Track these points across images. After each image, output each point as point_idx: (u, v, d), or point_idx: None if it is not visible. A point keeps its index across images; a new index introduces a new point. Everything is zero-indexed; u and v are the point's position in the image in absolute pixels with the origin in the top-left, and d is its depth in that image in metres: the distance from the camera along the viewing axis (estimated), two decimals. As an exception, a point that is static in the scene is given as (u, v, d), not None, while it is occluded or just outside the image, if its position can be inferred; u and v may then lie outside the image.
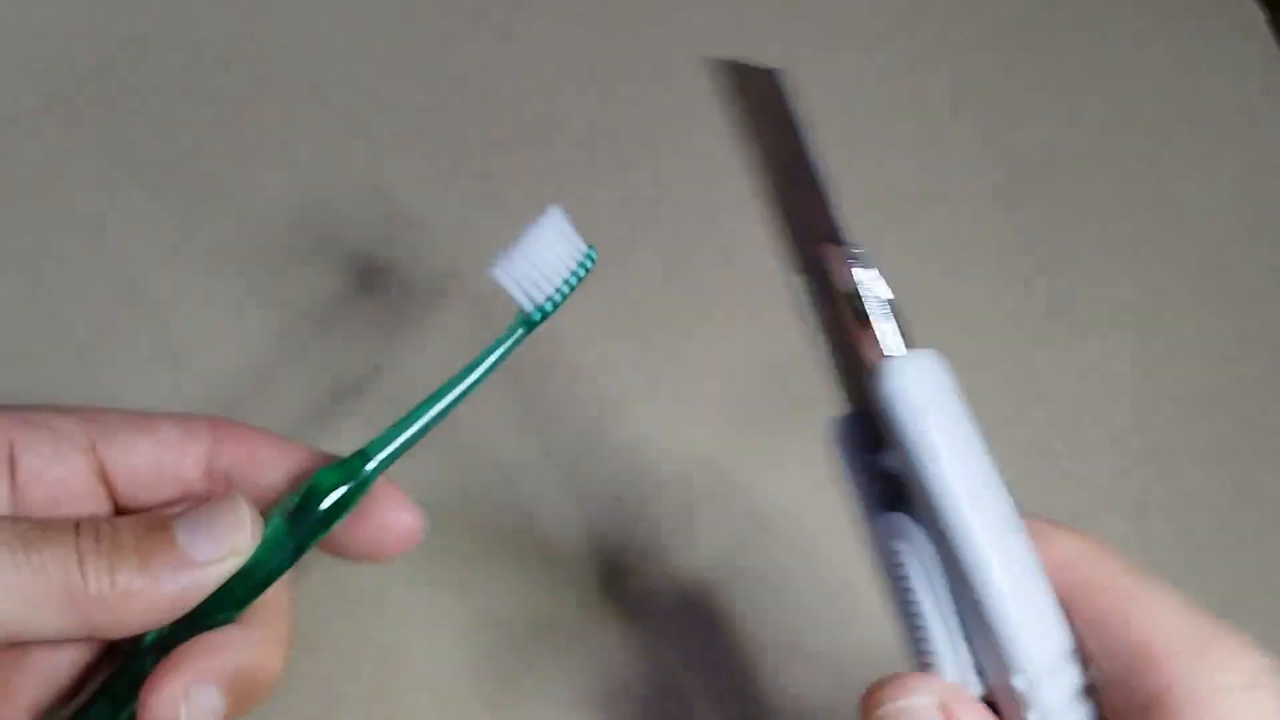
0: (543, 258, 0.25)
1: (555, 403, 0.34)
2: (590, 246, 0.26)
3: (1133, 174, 0.41)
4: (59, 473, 0.23)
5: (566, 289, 0.25)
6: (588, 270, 0.26)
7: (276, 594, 0.24)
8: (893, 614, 0.20)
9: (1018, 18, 0.46)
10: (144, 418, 0.25)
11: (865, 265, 0.20)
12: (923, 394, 0.18)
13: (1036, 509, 0.33)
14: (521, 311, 0.25)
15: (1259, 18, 0.47)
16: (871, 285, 0.20)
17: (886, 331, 0.19)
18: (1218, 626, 0.19)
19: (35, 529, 0.21)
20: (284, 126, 0.40)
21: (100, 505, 0.24)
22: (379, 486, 0.24)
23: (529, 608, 0.30)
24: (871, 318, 0.19)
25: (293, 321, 0.36)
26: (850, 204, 0.40)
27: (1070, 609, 0.19)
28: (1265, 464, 0.34)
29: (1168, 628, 0.19)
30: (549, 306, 0.25)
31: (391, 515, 0.25)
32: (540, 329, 0.25)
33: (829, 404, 0.21)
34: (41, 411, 0.24)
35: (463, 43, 0.43)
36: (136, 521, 0.22)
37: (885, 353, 0.19)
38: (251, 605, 0.23)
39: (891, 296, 0.19)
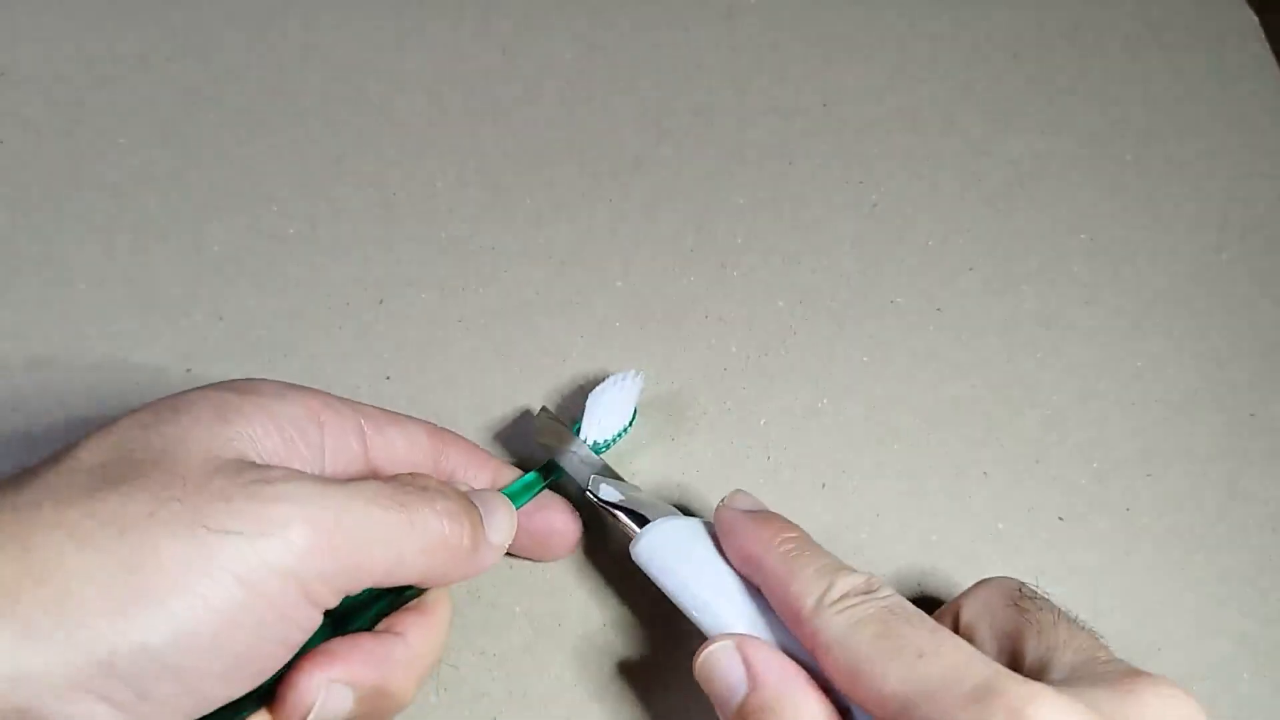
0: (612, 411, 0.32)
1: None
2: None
3: (1123, 181, 0.42)
4: (351, 451, 0.26)
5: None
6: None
7: (436, 615, 0.26)
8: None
9: (1008, 27, 0.46)
10: (396, 415, 0.28)
11: (598, 480, 0.30)
12: (651, 558, 0.28)
13: (1027, 513, 0.34)
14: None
15: (1251, 23, 0.47)
16: (604, 493, 0.30)
17: (626, 521, 0.29)
18: None
19: (410, 491, 0.24)
20: (294, 140, 0.41)
21: None
22: (547, 496, 0.31)
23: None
24: (616, 517, 0.29)
25: (303, 330, 0.36)
26: (843, 213, 0.41)
27: None
28: (1253, 466, 0.35)
29: None
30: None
31: (559, 519, 0.30)
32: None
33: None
34: (334, 397, 0.26)
35: (468, 56, 0.44)
36: (471, 496, 0.27)
37: (629, 534, 0.29)
38: (411, 624, 0.25)
39: (620, 498, 0.29)
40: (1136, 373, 0.37)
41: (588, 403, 0.32)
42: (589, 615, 0.31)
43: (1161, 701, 0.21)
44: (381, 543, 0.23)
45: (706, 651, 0.25)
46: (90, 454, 0.22)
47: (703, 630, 0.27)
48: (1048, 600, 0.26)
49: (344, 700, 0.23)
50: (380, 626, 0.25)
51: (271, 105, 0.42)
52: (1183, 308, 0.38)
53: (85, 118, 0.41)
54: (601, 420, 0.32)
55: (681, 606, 0.27)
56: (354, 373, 0.35)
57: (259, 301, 0.37)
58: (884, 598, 0.24)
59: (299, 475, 0.23)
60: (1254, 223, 0.41)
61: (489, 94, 0.43)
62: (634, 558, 0.28)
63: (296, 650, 0.23)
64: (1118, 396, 0.36)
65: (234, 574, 0.20)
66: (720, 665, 0.25)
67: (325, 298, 0.37)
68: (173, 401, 0.24)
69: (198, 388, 0.25)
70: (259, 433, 0.24)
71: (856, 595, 0.24)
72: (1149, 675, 0.22)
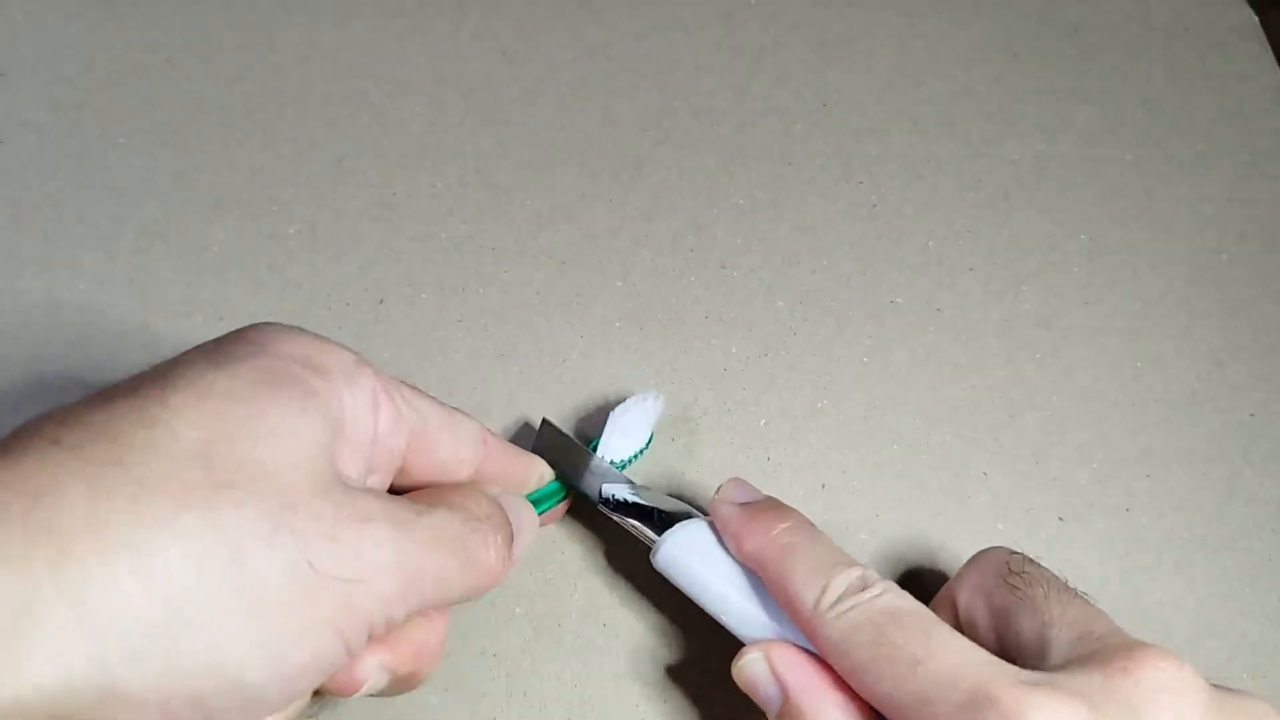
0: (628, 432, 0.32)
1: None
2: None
3: (1123, 182, 0.42)
4: (395, 444, 0.25)
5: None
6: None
7: (444, 611, 0.26)
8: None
9: (1008, 28, 0.46)
10: (451, 411, 0.27)
11: (610, 490, 0.30)
12: (674, 563, 0.28)
13: (1027, 512, 0.34)
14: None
15: (1251, 23, 0.47)
16: (618, 503, 0.29)
17: (642, 529, 0.29)
18: None
19: (471, 527, 0.24)
20: (295, 141, 0.41)
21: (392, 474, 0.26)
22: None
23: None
24: (629, 526, 0.29)
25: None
26: (843, 214, 0.41)
27: None
28: (1252, 467, 0.35)
29: None
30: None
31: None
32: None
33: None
34: (386, 376, 0.25)
35: (468, 57, 0.44)
36: (508, 507, 0.27)
37: (647, 542, 0.28)
38: (432, 619, 0.26)
39: (635, 505, 0.29)
40: (1136, 373, 0.37)
41: (608, 421, 0.31)
42: (589, 615, 0.31)
43: (1158, 676, 0.21)
44: (441, 582, 0.23)
45: (739, 665, 0.25)
46: (188, 428, 0.20)
47: (734, 634, 0.27)
48: (1039, 570, 0.26)
49: (381, 681, 0.24)
50: None
51: (272, 105, 0.42)
52: (1182, 308, 0.38)
53: (85, 118, 0.41)
54: (620, 439, 0.32)
55: (709, 611, 0.27)
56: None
57: (259, 302, 0.37)
58: (878, 596, 0.24)
59: (387, 510, 0.22)
60: (1254, 223, 0.41)
61: (489, 95, 0.43)
62: (655, 565, 0.28)
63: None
64: (1118, 396, 0.36)
65: (328, 618, 0.20)
66: (753, 676, 0.25)
67: (325, 298, 0.37)
68: (264, 364, 0.22)
69: (276, 338, 0.23)
70: (337, 430, 0.22)
71: (851, 597, 0.24)
72: (1145, 648, 0.22)
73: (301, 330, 0.24)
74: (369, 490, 0.23)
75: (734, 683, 0.26)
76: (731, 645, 0.27)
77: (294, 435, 0.21)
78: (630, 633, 0.31)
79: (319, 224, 0.39)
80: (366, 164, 0.40)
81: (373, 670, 0.24)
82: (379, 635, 0.22)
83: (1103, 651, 0.22)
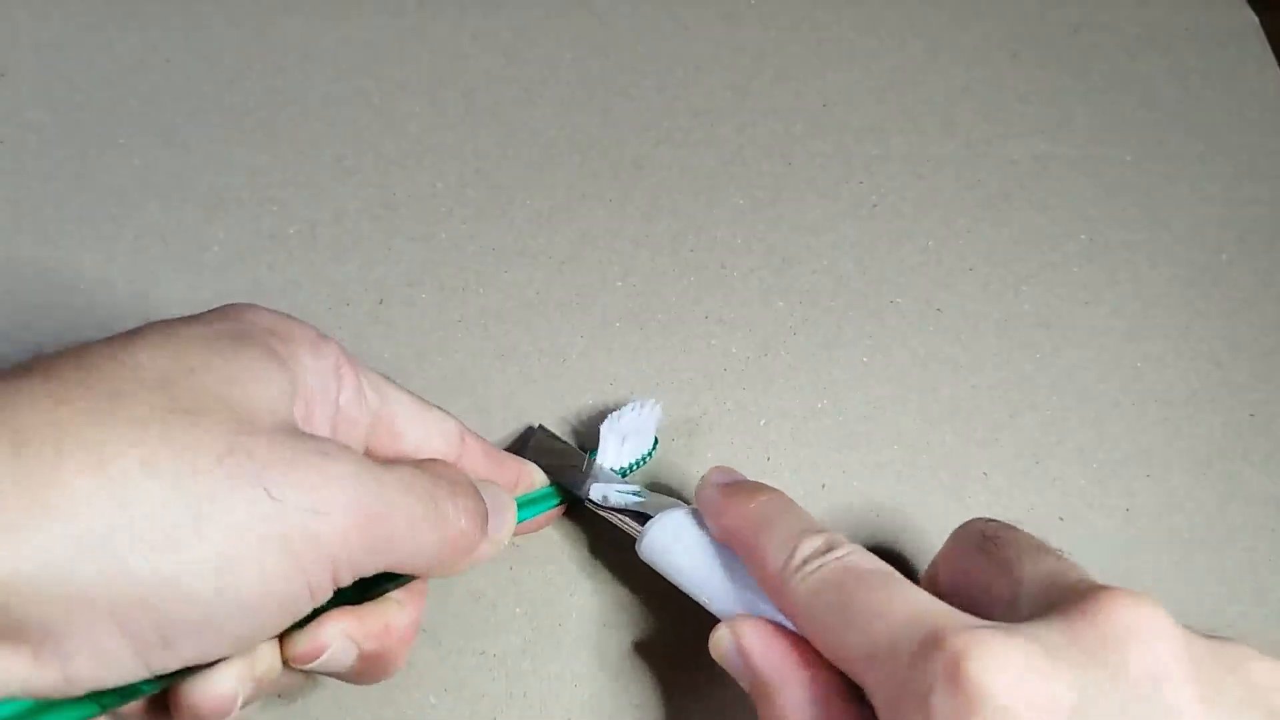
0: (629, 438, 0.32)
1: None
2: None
3: (1123, 182, 0.42)
4: (357, 416, 0.25)
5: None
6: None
7: (422, 590, 0.27)
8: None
9: (1007, 28, 0.46)
10: (426, 405, 0.28)
11: (599, 488, 0.30)
12: (657, 551, 0.28)
13: (1027, 512, 0.34)
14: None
15: (1251, 23, 0.47)
16: (604, 500, 0.30)
17: (629, 523, 0.29)
18: None
19: (440, 483, 0.24)
20: (295, 141, 0.41)
21: None
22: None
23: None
24: (619, 520, 0.30)
25: (301, 330, 0.36)
26: (843, 214, 0.41)
27: None
28: (1252, 467, 0.35)
29: None
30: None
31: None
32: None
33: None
34: (359, 362, 0.26)
35: (468, 57, 0.44)
36: (481, 490, 0.26)
37: (634, 534, 0.29)
38: (404, 603, 0.26)
39: (621, 502, 0.30)
40: (1136, 373, 0.37)
41: (601, 430, 0.32)
42: (589, 615, 0.31)
43: (1123, 618, 0.20)
44: (408, 533, 0.23)
45: (711, 641, 0.25)
46: (152, 359, 0.21)
47: (717, 616, 0.27)
48: (1013, 533, 0.25)
49: (348, 655, 0.24)
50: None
51: (271, 105, 0.42)
52: (1182, 308, 0.38)
53: (85, 118, 0.41)
54: (617, 447, 0.32)
55: (693, 596, 0.27)
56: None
57: (259, 302, 0.37)
58: (841, 556, 0.24)
59: (351, 453, 0.22)
60: (1254, 223, 0.41)
61: (489, 95, 0.43)
62: (641, 557, 0.28)
63: (296, 620, 0.23)
64: (1118, 396, 0.36)
65: (284, 544, 0.20)
66: (722, 653, 0.25)
67: (325, 298, 0.37)
68: (229, 324, 0.23)
69: (243, 309, 0.24)
70: (299, 388, 0.23)
71: (816, 558, 0.24)
72: (1110, 591, 0.21)
73: (270, 308, 0.25)
74: (331, 439, 0.23)
75: (734, 683, 0.26)
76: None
77: (255, 380, 0.22)
78: (630, 633, 0.31)
79: (319, 224, 0.39)
80: (366, 164, 0.40)
81: (336, 636, 0.23)
82: (344, 581, 0.22)
83: (1067, 599, 0.21)
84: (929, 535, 0.33)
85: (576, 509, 0.32)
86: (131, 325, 0.36)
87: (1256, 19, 0.47)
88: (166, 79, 0.42)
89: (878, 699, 0.21)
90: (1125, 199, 0.41)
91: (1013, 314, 0.38)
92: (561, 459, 0.31)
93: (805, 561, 0.24)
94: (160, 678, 0.21)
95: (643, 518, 0.29)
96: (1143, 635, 0.20)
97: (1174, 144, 0.43)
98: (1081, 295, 0.38)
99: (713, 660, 0.29)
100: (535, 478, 0.31)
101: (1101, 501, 0.34)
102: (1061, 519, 0.34)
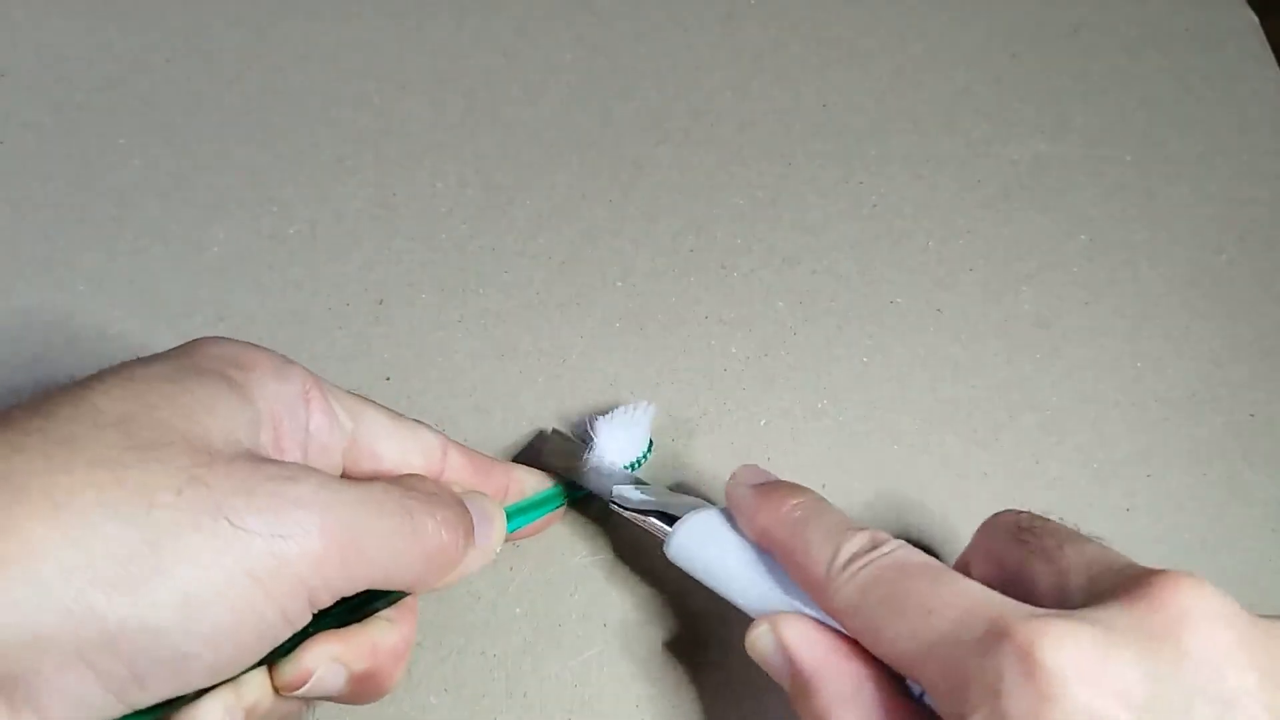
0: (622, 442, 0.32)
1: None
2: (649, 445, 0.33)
3: (1123, 182, 0.42)
4: (330, 434, 0.25)
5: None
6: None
7: (414, 607, 0.26)
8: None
9: (1007, 28, 0.46)
10: (404, 421, 0.27)
11: (621, 490, 0.30)
12: (687, 551, 0.27)
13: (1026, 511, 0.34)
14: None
15: (1251, 23, 0.47)
16: (629, 501, 0.29)
17: (655, 523, 0.29)
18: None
19: (415, 497, 0.24)
20: (295, 141, 0.41)
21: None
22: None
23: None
24: (641, 522, 0.29)
25: (303, 331, 0.36)
26: (843, 214, 0.41)
27: None
28: (1252, 467, 0.35)
29: None
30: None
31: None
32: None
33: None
34: (330, 385, 0.26)
35: (468, 57, 0.44)
36: (465, 501, 0.26)
37: (659, 535, 0.28)
38: (394, 620, 0.26)
39: (646, 503, 0.29)
40: (1136, 373, 0.37)
41: (596, 430, 0.32)
42: (589, 616, 0.31)
43: (1183, 600, 0.20)
44: (386, 551, 0.23)
45: (749, 639, 0.25)
46: (110, 402, 0.21)
47: (751, 616, 0.26)
48: (1048, 523, 0.25)
49: (338, 678, 0.24)
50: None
51: (272, 106, 0.42)
52: (1182, 308, 0.38)
53: (85, 118, 0.41)
54: (611, 448, 0.32)
55: (726, 597, 0.27)
56: (354, 373, 0.35)
57: (259, 302, 0.37)
58: (888, 552, 0.23)
59: (316, 474, 0.22)
60: (1254, 223, 0.41)
61: (489, 95, 0.43)
62: (670, 558, 0.28)
63: (276, 646, 0.23)
64: (1117, 397, 0.36)
65: (249, 573, 0.20)
66: (761, 650, 0.25)
67: (325, 298, 0.37)
68: (188, 359, 0.23)
69: (204, 343, 0.24)
70: (263, 415, 0.23)
71: (862, 556, 0.23)
72: (1166, 574, 0.20)
73: (233, 340, 0.25)
74: (298, 463, 0.23)
75: (735, 683, 0.26)
76: (735, 644, 0.27)
77: (211, 412, 0.22)
78: (630, 633, 0.31)
79: (319, 224, 0.39)
80: (366, 164, 0.40)
81: (322, 660, 0.23)
82: (322, 603, 0.22)
83: (1121, 584, 0.21)
84: (930, 535, 0.33)
85: (578, 506, 0.32)
86: (131, 325, 0.36)
87: (1256, 19, 0.47)
88: (166, 79, 0.42)
89: (939, 691, 0.21)
90: (1125, 199, 0.41)
91: (1013, 314, 0.38)
92: (575, 460, 0.31)
93: (851, 560, 0.24)
94: (146, 710, 0.21)
95: (666, 518, 0.29)
96: (1204, 618, 0.19)
97: (1174, 144, 0.43)
98: (1081, 295, 0.38)
99: (713, 659, 0.29)
100: (527, 483, 0.31)
101: (1101, 501, 0.34)
102: (1061, 519, 0.34)
